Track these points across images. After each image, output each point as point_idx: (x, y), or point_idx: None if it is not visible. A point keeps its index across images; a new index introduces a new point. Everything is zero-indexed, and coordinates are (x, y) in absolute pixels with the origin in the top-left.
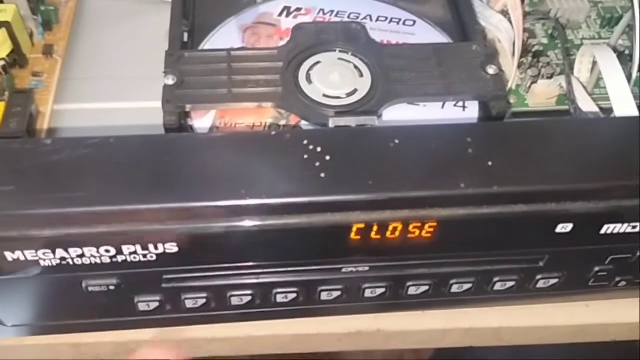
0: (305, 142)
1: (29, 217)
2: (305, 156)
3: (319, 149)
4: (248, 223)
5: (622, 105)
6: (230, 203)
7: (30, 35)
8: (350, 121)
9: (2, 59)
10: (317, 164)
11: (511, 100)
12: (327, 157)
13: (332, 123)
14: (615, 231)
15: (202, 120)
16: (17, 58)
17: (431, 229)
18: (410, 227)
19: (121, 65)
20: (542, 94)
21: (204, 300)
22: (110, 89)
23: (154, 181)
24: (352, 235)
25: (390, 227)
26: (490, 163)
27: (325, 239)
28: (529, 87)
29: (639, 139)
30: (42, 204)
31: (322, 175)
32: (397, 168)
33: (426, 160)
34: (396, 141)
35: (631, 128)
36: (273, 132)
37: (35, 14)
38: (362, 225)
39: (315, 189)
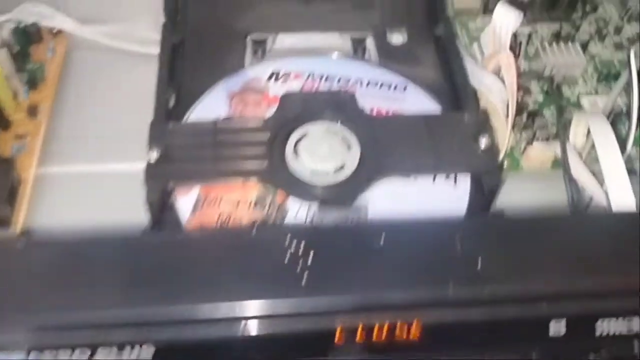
0: (287, 242)
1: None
2: (287, 260)
3: (301, 251)
4: (225, 330)
5: (617, 187)
6: (204, 312)
7: (15, 94)
8: (335, 217)
9: None
10: (299, 269)
11: (505, 164)
12: (309, 261)
13: (316, 218)
14: (609, 330)
15: (186, 198)
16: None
17: (418, 332)
18: (397, 331)
19: (109, 124)
20: (536, 158)
21: None
22: (96, 150)
23: (124, 286)
24: (335, 339)
25: (375, 331)
26: (480, 263)
27: (308, 343)
28: (524, 149)
29: (638, 239)
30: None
31: (303, 282)
32: (383, 270)
33: (413, 261)
34: (382, 241)
35: (630, 226)
36: (254, 232)
37: (20, 72)
38: (345, 330)
39: (297, 295)
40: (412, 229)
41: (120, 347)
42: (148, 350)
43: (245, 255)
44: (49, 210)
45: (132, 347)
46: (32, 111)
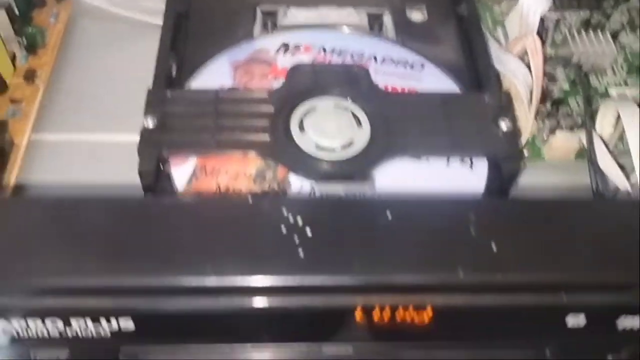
0: (285, 213)
1: None
2: (284, 231)
3: (300, 222)
4: (214, 303)
5: None
6: (194, 281)
7: (13, 58)
8: (339, 188)
9: None
10: (297, 240)
11: (526, 153)
12: (309, 233)
13: (318, 190)
14: (631, 325)
15: (181, 168)
16: None
17: (423, 317)
18: (399, 313)
19: (107, 95)
20: (560, 148)
21: None
22: (93, 120)
23: (110, 252)
24: (332, 318)
25: (377, 312)
26: (494, 247)
27: (303, 321)
28: (547, 139)
29: None
30: None
31: (301, 254)
32: (387, 249)
33: (421, 240)
34: (388, 216)
35: None
36: (250, 201)
37: (19, 35)
38: (343, 309)
39: (291, 270)
40: (423, 207)
41: (96, 319)
42: (127, 323)
43: (240, 225)
44: (41, 177)
45: (109, 320)
46: (30, 76)
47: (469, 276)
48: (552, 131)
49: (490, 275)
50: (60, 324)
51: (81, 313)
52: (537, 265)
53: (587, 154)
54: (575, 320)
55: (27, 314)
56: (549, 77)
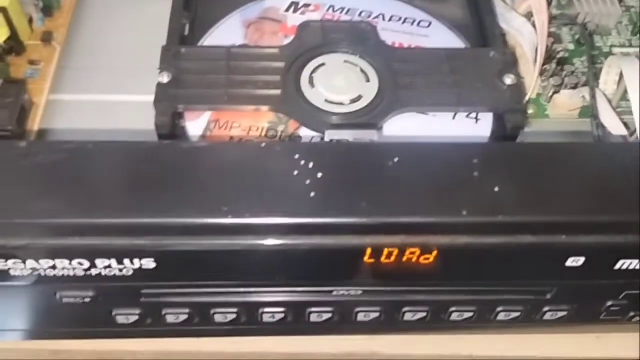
0: (296, 156)
1: None
2: (296, 172)
3: (310, 164)
4: (230, 242)
5: None
6: (210, 221)
7: (30, 20)
8: (348, 134)
9: None
10: (308, 181)
11: (530, 110)
12: (319, 175)
13: (327, 136)
14: (631, 267)
15: (195, 122)
16: (13, 45)
17: (429, 257)
18: (406, 254)
19: (123, 55)
20: (564, 105)
21: (186, 316)
22: (109, 80)
23: (130, 194)
24: (342, 259)
25: (385, 253)
26: (496, 189)
27: (313, 262)
28: (551, 96)
29: None
30: (8, 213)
31: (312, 194)
32: (394, 190)
33: (426, 182)
34: (395, 160)
35: None
36: (263, 144)
37: None
38: (352, 250)
39: (303, 210)
40: (427, 149)
41: (119, 260)
42: (148, 262)
43: (252, 168)
44: (58, 136)
45: (132, 261)
46: (47, 38)
47: (471, 217)
48: (557, 89)
49: (491, 216)
50: (86, 263)
51: (105, 253)
52: (536, 207)
53: (590, 110)
54: (575, 263)
55: (53, 254)
56: (554, 36)
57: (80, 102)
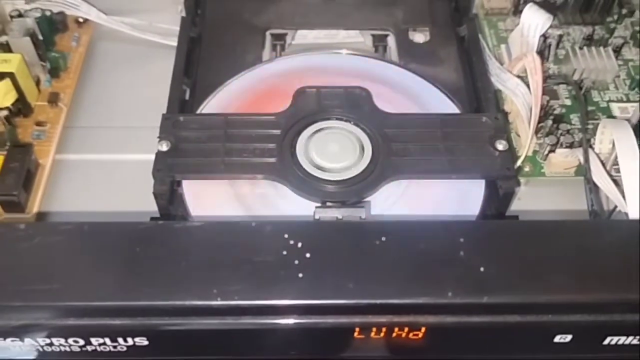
0: (286, 236)
1: None
2: (285, 252)
3: (299, 244)
4: (220, 322)
5: (635, 196)
6: (201, 303)
7: (37, 82)
8: (337, 213)
9: (7, 108)
10: (297, 262)
11: (527, 169)
12: (308, 255)
13: (317, 214)
14: (620, 343)
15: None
16: (21, 107)
17: (418, 333)
18: (395, 331)
19: (128, 114)
20: (560, 164)
21: None
22: (113, 140)
23: (123, 277)
24: (331, 336)
25: (374, 330)
26: (482, 269)
27: (302, 339)
28: (547, 155)
29: None
30: (7, 296)
31: (300, 275)
32: (380, 271)
33: (413, 262)
34: (383, 239)
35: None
36: (253, 224)
37: (43, 60)
38: (341, 329)
39: (291, 293)
40: (415, 228)
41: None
42: (141, 340)
43: (243, 248)
44: (64, 196)
45: (126, 338)
46: (54, 99)
47: (457, 298)
48: (552, 148)
49: (476, 297)
50: (81, 341)
51: (100, 333)
52: (521, 288)
53: (583, 172)
54: (563, 339)
55: (49, 333)
56: (551, 94)
57: (85, 162)
